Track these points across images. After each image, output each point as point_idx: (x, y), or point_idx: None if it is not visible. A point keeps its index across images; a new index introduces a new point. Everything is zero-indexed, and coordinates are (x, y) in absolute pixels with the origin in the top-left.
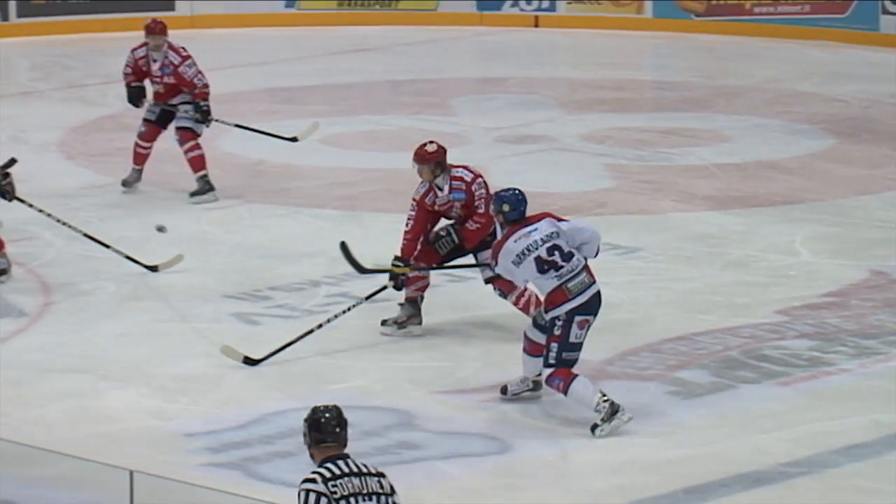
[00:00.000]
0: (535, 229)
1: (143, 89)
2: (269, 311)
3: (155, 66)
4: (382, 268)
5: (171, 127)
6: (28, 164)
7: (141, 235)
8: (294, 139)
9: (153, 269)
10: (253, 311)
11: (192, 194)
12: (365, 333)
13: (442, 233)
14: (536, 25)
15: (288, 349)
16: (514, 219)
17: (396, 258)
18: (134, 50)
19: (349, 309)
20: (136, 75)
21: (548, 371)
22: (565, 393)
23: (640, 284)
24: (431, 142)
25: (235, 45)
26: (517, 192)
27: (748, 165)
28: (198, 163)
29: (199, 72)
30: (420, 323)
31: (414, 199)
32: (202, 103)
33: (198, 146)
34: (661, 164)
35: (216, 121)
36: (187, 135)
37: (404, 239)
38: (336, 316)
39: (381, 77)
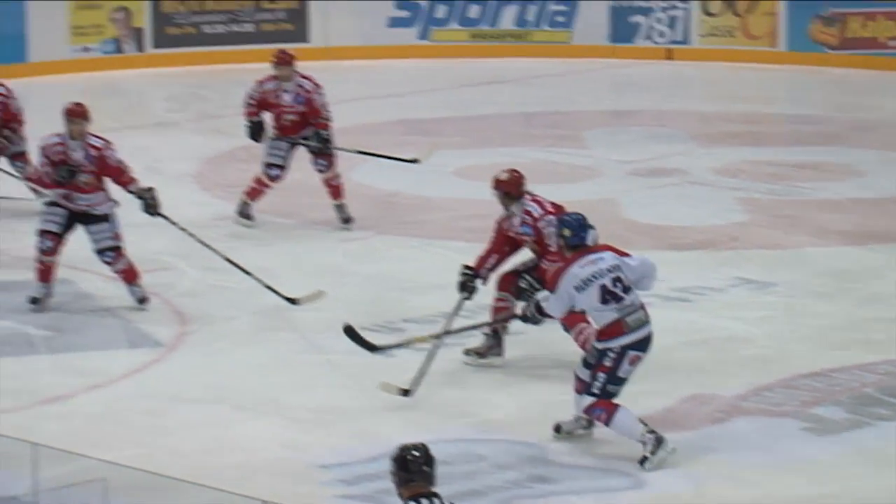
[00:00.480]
0: (602, 258)
1: (263, 124)
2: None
3: (287, 97)
4: (398, 343)
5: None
6: (163, 195)
7: (272, 266)
8: (415, 161)
9: (293, 301)
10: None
11: (345, 220)
12: (499, 366)
13: (523, 284)
14: (669, 58)
15: (423, 380)
16: (575, 244)
17: (466, 267)
18: (261, 83)
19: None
20: (259, 108)
21: (590, 400)
22: (607, 424)
23: (774, 320)
24: (509, 170)
25: (368, 77)
26: (580, 217)
27: (883, 200)
28: (338, 191)
29: (326, 103)
30: (501, 354)
31: (496, 220)
32: (323, 133)
33: (339, 175)
34: (795, 199)
35: (337, 149)
36: (327, 158)
37: (481, 252)
38: (455, 331)
39: (513, 109)
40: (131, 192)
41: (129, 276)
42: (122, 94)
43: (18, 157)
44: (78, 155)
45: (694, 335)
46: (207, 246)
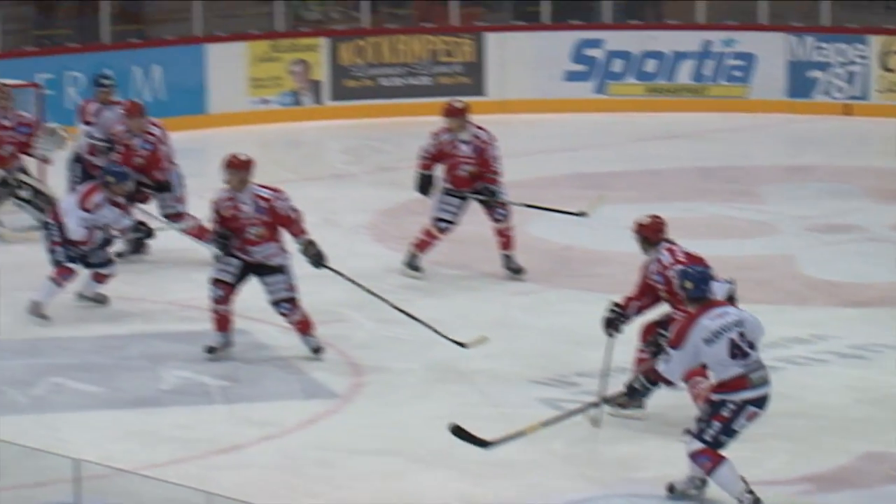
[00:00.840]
0: (727, 312)
1: (433, 178)
2: (576, 398)
3: (465, 148)
4: (511, 434)
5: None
6: (338, 248)
7: (443, 317)
8: (582, 214)
9: (462, 345)
10: (560, 396)
11: (516, 271)
12: (674, 417)
13: (661, 340)
14: (847, 113)
15: (595, 433)
16: (696, 297)
17: (615, 304)
18: (437, 134)
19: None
20: (435, 160)
21: (698, 446)
22: (710, 473)
23: None
24: (652, 215)
25: (543, 131)
26: (703, 269)
27: None
28: (510, 242)
29: (498, 157)
30: (641, 406)
31: (641, 265)
32: (492, 187)
33: (512, 227)
34: None
35: (505, 202)
36: (505, 208)
37: (629, 294)
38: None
39: (689, 163)
40: (297, 243)
41: (304, 326)
42: (300, 145)
43: (173, 216)
44: (248, 207)
45: (870, 393)
46: (377, 296)
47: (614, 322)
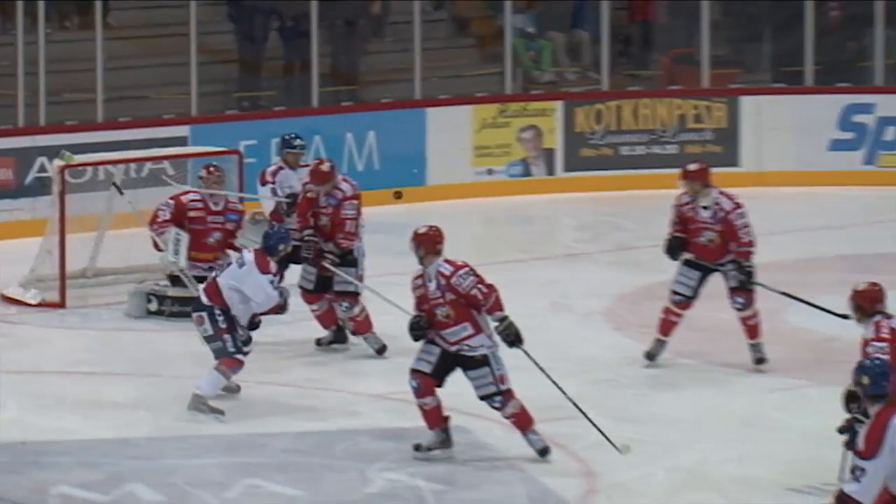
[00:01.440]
0: None
1: (684, 242)
2: None
3: (704, 213)
4: None
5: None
6: (570, 335)
7: (688, 416)
8: (846, 316)
9: (617, 448)
10: None
11: (758, 361)
12: None
13: None
14: None
15: None
16: (875, 394)
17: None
18: (678, 198)
19: None
20: (681, 225)
21: None
22: None
23: None
24: (870, 283)
25: (805, 206)
26: (882, 363)
27: None
28: (755, 330)
29: (748, 225)
30: None
31: None
32: (745, 263)
33: (757, 313)
34: None
35: (759, 285)
36: (746, 295)
37: None
38: None
39: None
40: (492, 321)
41: (522, 422)
42: (529, 221)
43: (346, 295)
44: (432, 286)
45: None
46: (557, 385)
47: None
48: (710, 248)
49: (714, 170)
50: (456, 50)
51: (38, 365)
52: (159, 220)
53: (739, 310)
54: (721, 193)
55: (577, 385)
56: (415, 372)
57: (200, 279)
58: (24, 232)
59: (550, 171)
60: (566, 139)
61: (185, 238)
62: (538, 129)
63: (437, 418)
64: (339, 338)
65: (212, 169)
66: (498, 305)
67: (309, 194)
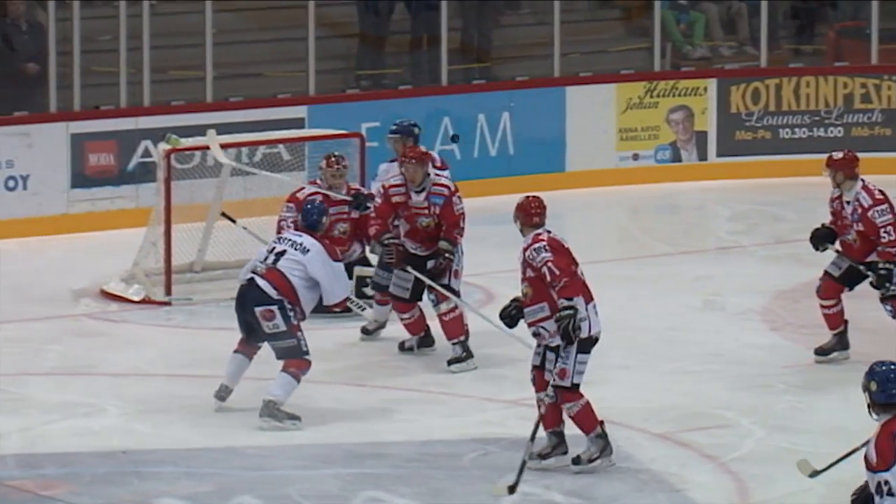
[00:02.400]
0: None
1: (832, 233)
2: None
3: (848, 210)
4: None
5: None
6: (722, 335)
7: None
8: None
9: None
10: None
11: None
12: None
13: None
14: None
15: None
16: (883, 402)
17: None
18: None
19: None
20: (835, 218)
21: None
22: None
23: None
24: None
25: None
26: (894, 369)
27: None
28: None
29: (890, 223)
30: None
31: None
32: (881, 265)
33: None
34: None
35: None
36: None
37: None
38: None
39: None
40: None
41: (581, 425)
42: (678, 211)
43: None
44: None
45: None
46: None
47: None
48: (855, 248)
49: (882, 155)
50: (599, 23)
51: (141, 367)
52: (285, 231)
53: (893, 317)
54: (864, 187)
55: (728, 390)
56: (534, 367)
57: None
58: (126, 222)
59: (702, 156)
60: (720, 121)
61: None
62: (689, 110)
63: (553, 418)
64: (425, 342)
65: (332, 161)
66: (567, 291)
67: (395, 198)
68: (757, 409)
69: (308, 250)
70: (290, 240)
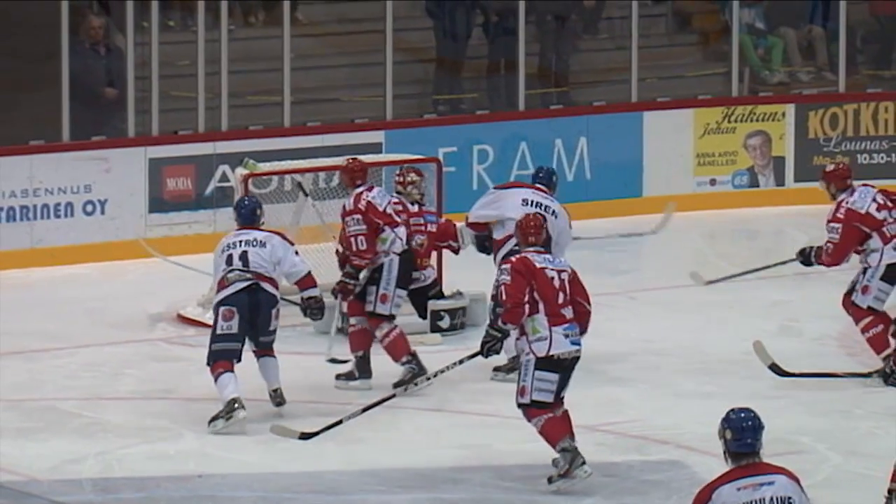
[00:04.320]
0: (771, 483)
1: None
2: None
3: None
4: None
5: None
6: (799, 362)
7: None
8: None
9: None
10: None
11: None
12: None
13: None
14: None
15: None
16: (737, 452)
17: None
18: None
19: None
20: None
21: None
22: None
23: None
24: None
25: None
26: (750, 415)
27: None
28: None
29: (830, 241)
30: None
31: None
32: None
33: None
34: None
35: None
36: None
37: None
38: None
39: None
40: None
41: (547, 437)
42: (756, 236)
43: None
44: None
45: None
46: None
47: None
48: None
49: None
50: (677, 48)
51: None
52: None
53: None
54: (840, 201)
55: (804, 416)
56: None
57: (415, 292)
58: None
59: (780, 182)
60: (797, 146)
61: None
62: (767, 135)
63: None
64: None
65: (402, 172)
66: (504, 317)
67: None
68: (833, 435)
69: (265, 243)
70: (241, 241)
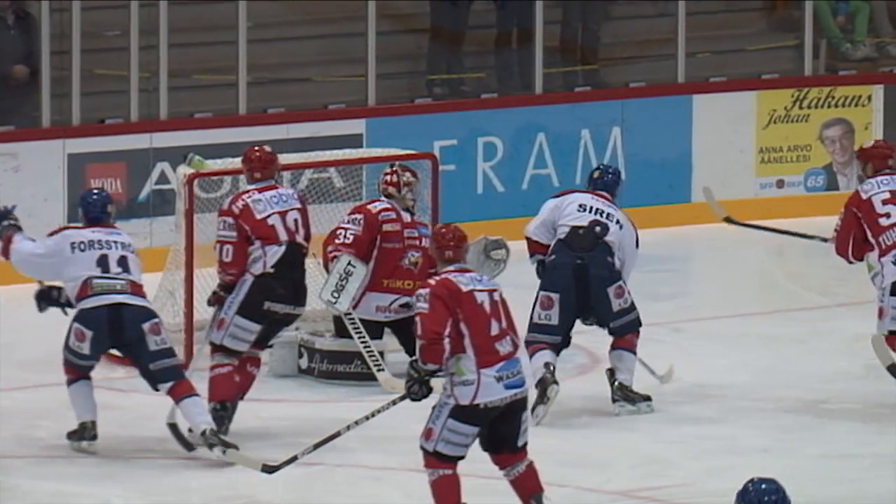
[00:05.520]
0: None
1: None
2: None
3: None
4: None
5: None
6: (890, 410)
7: None
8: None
9: None
10: None
11: None
12: None
13: None
14: None
15: None
16: None
17: None
18: None
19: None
20: None
21: None
22: None
23: None
24: None
25: None
26: (773, 491)
27: None
28: None
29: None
30: None
31: None
32: None
33: None
34: None
35: None
36: None
37: None
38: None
39: None
40: None
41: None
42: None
43: None
44: None
45: None
46: None
47: None
48: None
49: None
50: (736, 15)
51: (154, 448)
52: (339, 240)
53: None
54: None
55: (893, 479)
56: None
57: (401, 324)
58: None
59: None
60: (888, 138)
61: (359, 272)
62: (849, 125)
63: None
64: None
65: (395, 171)
66: (422, 355)
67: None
68: None
69: (129, 244)
70: (111, 242)
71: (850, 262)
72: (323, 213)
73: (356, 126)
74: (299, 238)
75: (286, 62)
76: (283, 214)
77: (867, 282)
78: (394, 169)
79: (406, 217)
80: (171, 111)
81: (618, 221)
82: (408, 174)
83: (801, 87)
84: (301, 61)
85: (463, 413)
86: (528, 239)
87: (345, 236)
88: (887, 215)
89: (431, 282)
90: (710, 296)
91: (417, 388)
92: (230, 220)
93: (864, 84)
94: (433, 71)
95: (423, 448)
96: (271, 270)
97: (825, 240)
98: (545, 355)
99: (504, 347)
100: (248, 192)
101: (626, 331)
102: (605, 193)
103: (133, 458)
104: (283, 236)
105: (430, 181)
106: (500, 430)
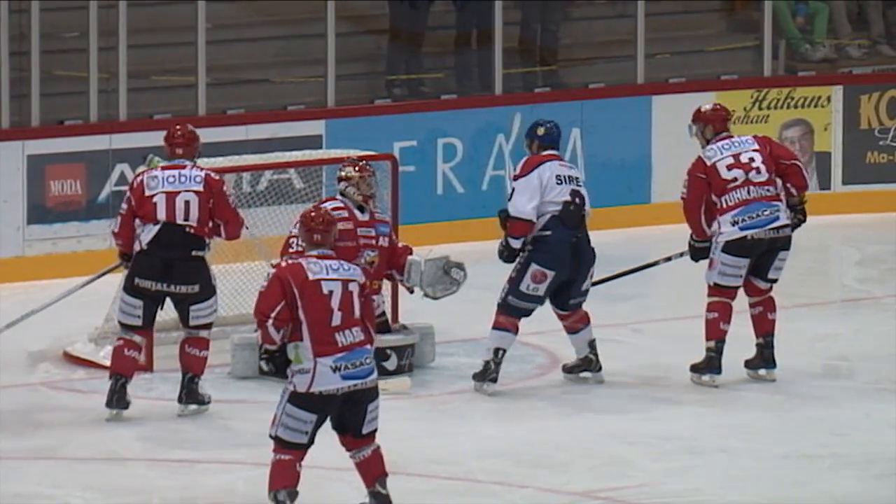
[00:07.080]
0: None
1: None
2: None
3: None
4: None
5: None
6: (849, 410)
7: None
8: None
9: None
10: None
11: None
12: None
13: None
14: None
15: None
16: None
17: None
18: None
19: None
20: None
21: None
22: None
23: None
24: None
25: None
26: None
27: None
28: None
29: None
30: None
31: None
32: None
33: None
34: None
35: None
36: None
37: None
38: None
39: None
40: None
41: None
42: (795, 253)
43: None
44: None
45: None
46: None
47: None
48: None
49: None
50: (694, 16)
51: (115, 450)
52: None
53: None
54: None
55: (856, 479)
56: None
57: None
58: (95, 266)
59: (824, 184)
60: (847, 139)
61: None
62: (808, 125)
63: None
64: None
65: (363, 166)
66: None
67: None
68: (890, 502)
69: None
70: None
71: (704, 234)
72: (283, 215)
73: (315, 127)
74: (181, 220)
75: (245, 63)
76: (172, 195)
77: (827, 283)
78: (342, 165)
79: (360, 215)
80: (131, 112)
81: (583, 183)
82: (349, 168)
83: (761, 88)
84: (260, 62)
85: (300, 399)
86: (518, 219)
87: (297, 244)
88: (734, 179)
89: (283, 263)
90: (669, 297)
91: (264, 363)
92: (128, 193)
93: (824, 85)
94: (392, 72)
95: (270, 435)
96: (145, 248)
97: (682, 254)
98: (503, 340)
99: (346, 338)
100: (147, 170)
101: (578, 307)
102: (556, 152)
103: (92, 460)
104: (161, 216)
105: (390, 182)
106: (345, 417)
